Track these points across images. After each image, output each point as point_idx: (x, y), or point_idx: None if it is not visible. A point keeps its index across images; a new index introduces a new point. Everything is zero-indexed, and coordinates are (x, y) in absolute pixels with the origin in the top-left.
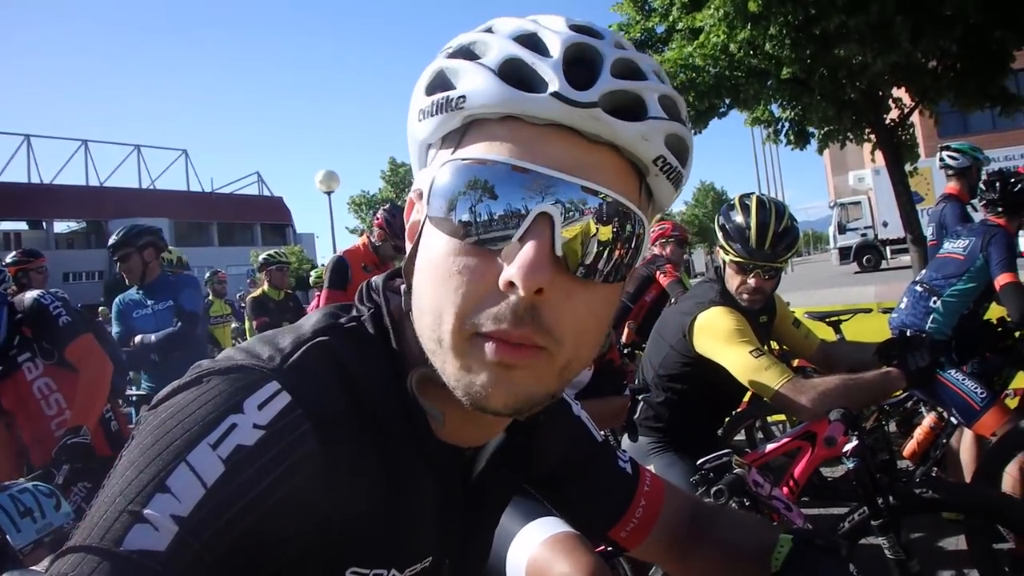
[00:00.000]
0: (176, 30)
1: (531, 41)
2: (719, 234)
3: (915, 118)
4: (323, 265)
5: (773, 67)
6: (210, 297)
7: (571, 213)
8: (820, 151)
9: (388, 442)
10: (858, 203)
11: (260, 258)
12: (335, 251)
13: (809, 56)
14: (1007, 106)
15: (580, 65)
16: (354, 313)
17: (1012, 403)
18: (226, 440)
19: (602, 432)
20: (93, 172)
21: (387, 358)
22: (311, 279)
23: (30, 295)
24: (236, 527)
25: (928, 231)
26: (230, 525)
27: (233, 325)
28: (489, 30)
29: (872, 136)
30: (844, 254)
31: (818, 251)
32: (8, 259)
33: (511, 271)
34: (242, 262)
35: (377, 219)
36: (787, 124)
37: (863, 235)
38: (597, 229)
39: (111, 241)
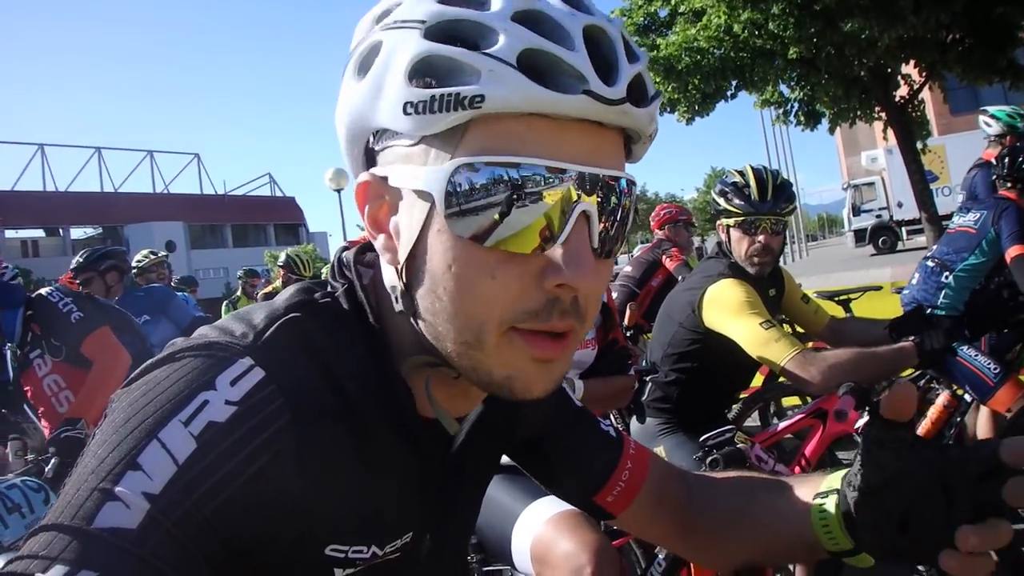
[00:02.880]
0: (186, 36)
1: (538, 23)
2: (719, 201)
3: (926, 95)
4: None
5: (778, 47)
6: (238, 293)
7: (602, 205)
8: (831, 131)
9: (363, 418)
10: (872, 184)
11: (283, 257)
12: None
13: (815, 34)
14: (1016, 80)
15: (595, 50)
16: (328, 289)
17: None
18: (198, 417)
19: (610, 413)
20: (107, 178)
21: (361, 334)
22: (322, 276)
23: (39, 292)
24: (208, 504)
25: (959, 199)
26: (202, 502)
27: None
28: (476, 2)
29: (882, 114)
30: (859, 236)
31: (833, 235)
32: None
33: (567, 276)
34: (256, 263)
35: None
36: (796, 105)
37: (878, 216)
38: (620, 213)
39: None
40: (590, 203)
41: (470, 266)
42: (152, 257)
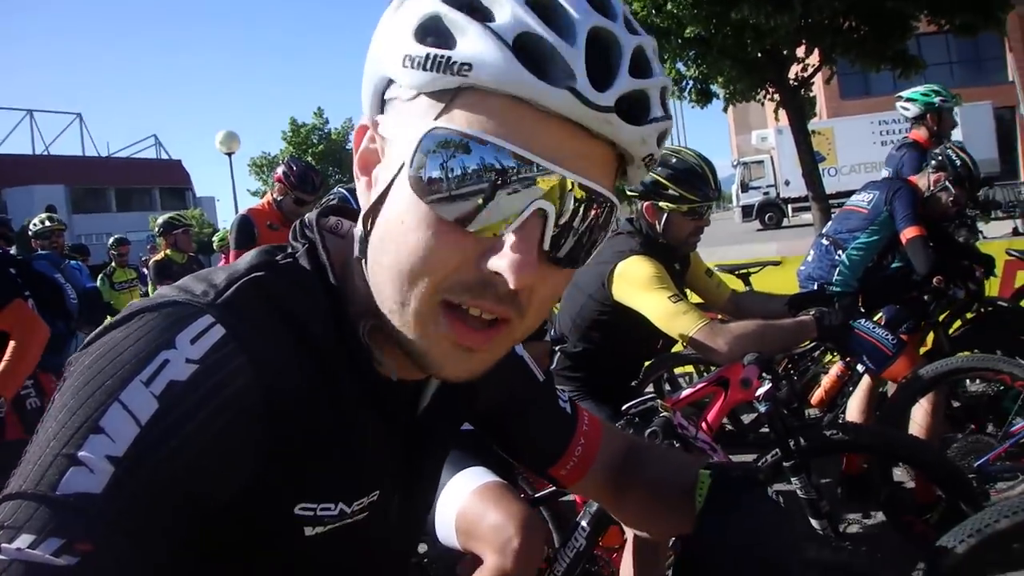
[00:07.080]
0: None
1: (548, 10)
2: (669, 188)
3: (817, 78)
4: (226, 228)
5: (674, 26)
6: (112, 265)
7: (573, 213)
8: (725, 109)
9: (327, 376)
10: (760, 162)
11: (160, 220)
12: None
13: (712, 16)
14: (905, 68)
15: (596, 52)
16: (288, 251)
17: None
18: (159, 376)
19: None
20: None
21: (324, 293)
22: (214, 243)
23: None
24: (173, 464)
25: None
26: (167, 462)
27: (142, 290)
28: None
29: (776, 95)
30: (746, 212)
31: (720, 209)
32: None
33: (502, 264)
34: (141, 228)
35: (276, 175)
36: (691, 83)
37: (765, 193)
38: (583, 222)
39: None
40: (549, 203)
41: (419, 225)
42: (50, 224)
